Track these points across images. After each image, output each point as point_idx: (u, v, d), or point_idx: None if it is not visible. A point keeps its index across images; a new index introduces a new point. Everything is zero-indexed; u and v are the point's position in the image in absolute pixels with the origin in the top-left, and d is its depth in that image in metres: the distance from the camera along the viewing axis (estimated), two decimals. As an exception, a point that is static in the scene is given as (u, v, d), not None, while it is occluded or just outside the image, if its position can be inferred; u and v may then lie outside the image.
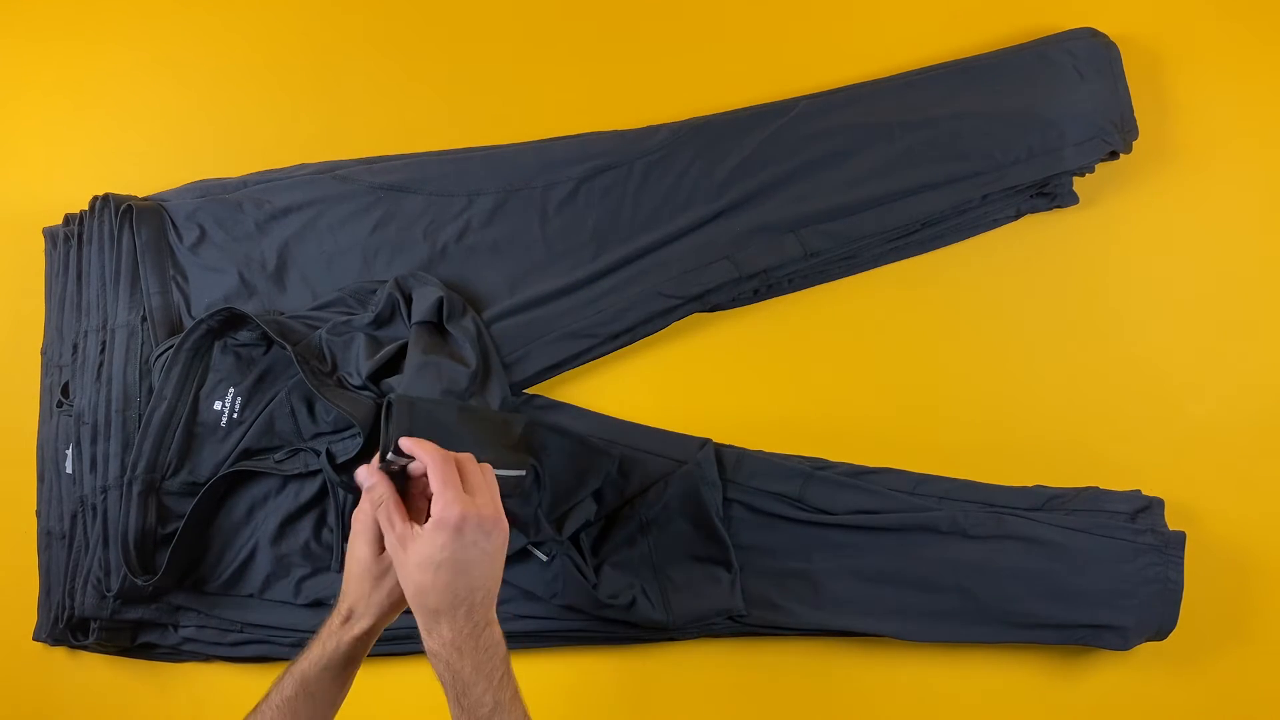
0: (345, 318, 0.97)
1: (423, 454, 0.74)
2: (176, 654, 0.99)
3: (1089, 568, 0.93)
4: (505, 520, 0.75)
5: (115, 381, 0.97)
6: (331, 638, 0.75)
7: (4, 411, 1.06)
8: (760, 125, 1.00)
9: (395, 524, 0.73)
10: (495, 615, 0.74)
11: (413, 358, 0.92)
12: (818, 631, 0.96)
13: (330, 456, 0.93)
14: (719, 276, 0.98)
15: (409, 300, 0.96)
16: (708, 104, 1.04)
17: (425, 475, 0.73)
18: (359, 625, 0.75)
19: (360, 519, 0.76)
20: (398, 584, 0.74)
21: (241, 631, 0.97)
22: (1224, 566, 0.98)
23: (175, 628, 0.98)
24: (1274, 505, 1.00)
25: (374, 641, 0.77)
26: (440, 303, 0.95)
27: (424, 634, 0.72)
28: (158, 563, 0.94)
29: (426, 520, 0.72)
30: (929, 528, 0.94)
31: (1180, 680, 0.98)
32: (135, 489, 0.94)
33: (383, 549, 0.76)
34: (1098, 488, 0.97)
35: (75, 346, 1.00)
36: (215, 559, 0.96)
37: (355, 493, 0.92)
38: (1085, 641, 0.94)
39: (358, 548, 0.76)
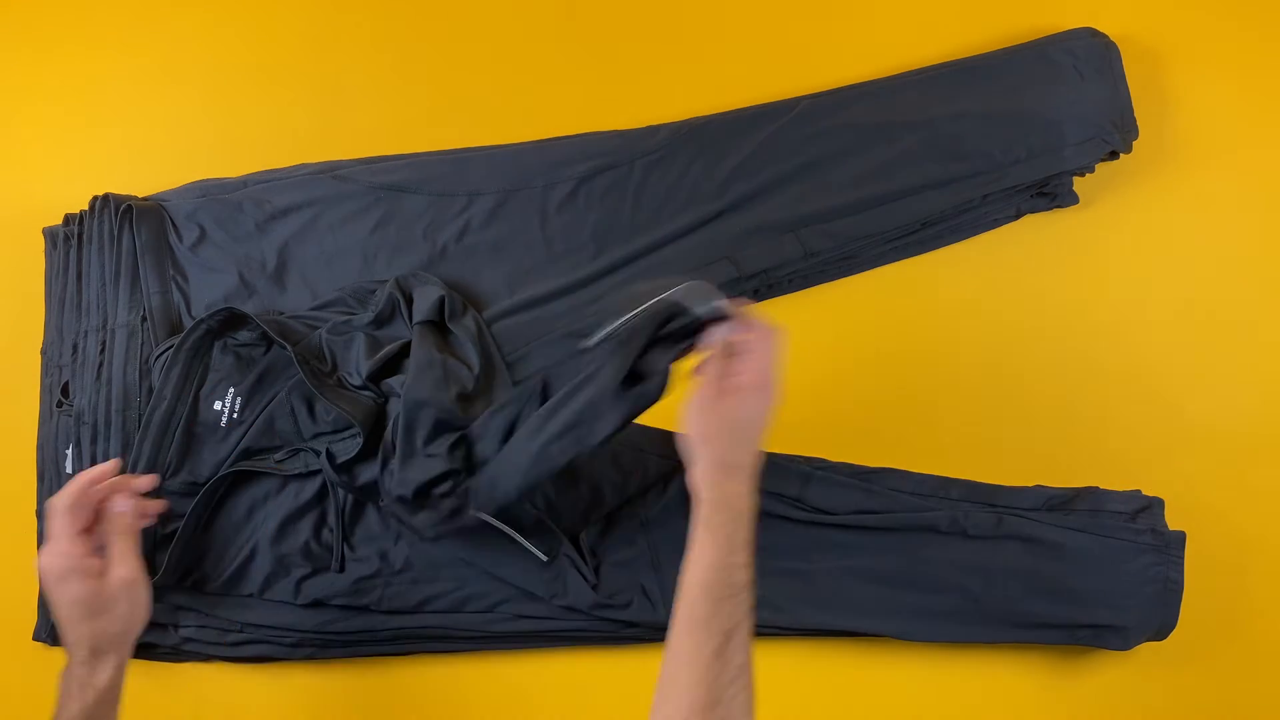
0: (345, 318, 0.97)
1: (756, 321, 0.73)
2: (176, 654, 0.99)
3: (1089, 568, 0.93)
4: None
5: (115, 381, 0.97)
6: (87, 688, 0.72)
7: (4, 411, 1.06)
8: (761, 125, 1.00)
9: (722, 375, 0.72)
10: None
11: (416, 357, 0.92)
12: (818, 631, 0.96)
13: (330, 456, 0.93)
14: (719, 276, 0.98)
15: (409, 300, 0.96)
16: (708, 104, 1.04)
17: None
18: (110, 662, 0.74)
19: (56, 560, 0.73)
20: (127, 609, 0.74)
21: (242, 631, 0.97)
22: (1224, 566, 0.98)
23: (175, 628, 0.98)
24: (1274, 505, 1.00)
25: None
26: (442, 302, 0.95)
27: (717, 484, 0.70)
28: (158, 563, 0.94)
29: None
30: (929, 528, 0.94)
31: (1180, 680, 0.98)
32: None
33: (93, 581, 0.74)
34: (1098, 488, 0.97)
35: (75, 346, 1.00)
36: (215, 559, 0.96)
37: (356, 492, 0.93)
38: (1086, 641, 0.94)
39: (71, 589, 0.73)
